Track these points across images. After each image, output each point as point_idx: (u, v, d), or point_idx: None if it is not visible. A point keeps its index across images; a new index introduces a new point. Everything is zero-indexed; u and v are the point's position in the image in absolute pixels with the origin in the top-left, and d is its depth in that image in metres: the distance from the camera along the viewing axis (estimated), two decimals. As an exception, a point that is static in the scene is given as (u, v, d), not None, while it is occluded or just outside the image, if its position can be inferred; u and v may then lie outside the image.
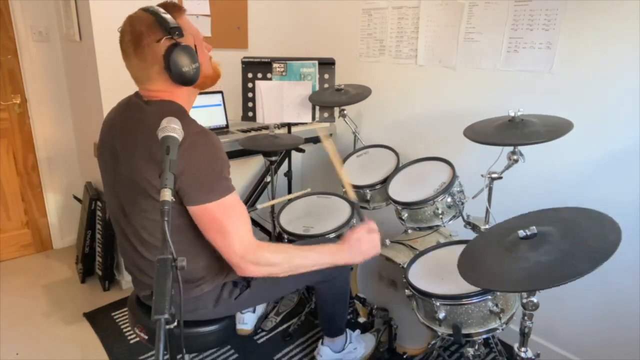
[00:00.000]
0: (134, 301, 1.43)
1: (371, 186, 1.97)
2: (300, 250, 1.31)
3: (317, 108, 2.30)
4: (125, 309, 2.20)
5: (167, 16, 1.15)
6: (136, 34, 1.14)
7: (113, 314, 2.26)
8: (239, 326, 2.02)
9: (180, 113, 1.20)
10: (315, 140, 2.70)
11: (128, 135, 1.20)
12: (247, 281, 1.40)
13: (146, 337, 1.37)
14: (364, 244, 1.39)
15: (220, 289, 1.35)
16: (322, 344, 1.81)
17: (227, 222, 1.16)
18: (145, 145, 1.14)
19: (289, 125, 2.47)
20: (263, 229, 2.73)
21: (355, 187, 2.00)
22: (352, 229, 1.43)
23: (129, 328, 2.14)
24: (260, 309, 2.14)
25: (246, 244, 1.19)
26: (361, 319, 2.07)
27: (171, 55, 1.13)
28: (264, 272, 1.24)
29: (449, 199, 1.69)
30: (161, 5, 1.19)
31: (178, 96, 1.24)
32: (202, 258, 1.29)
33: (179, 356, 0.98)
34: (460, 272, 1.14)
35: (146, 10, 1.16)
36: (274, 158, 2.24)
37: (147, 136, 1.14)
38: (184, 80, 1.17)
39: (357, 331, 1.94)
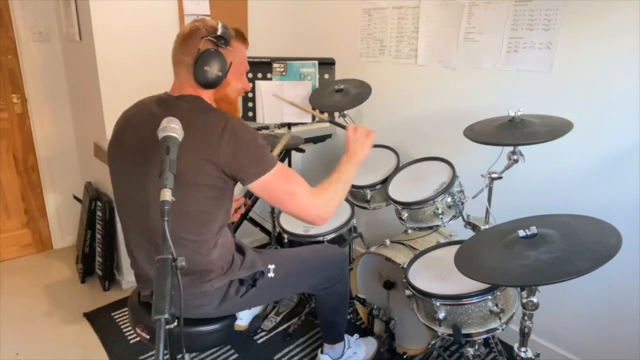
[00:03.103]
0: (135, 301, 1.43)
1: (371, 186, 1.97)
2: (335, 182, 1.41)
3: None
4: (126, 308, 2.20)
5: (226, 31, 1.27)
6: (194, 27, 1.27)
7: (113, 314, 2.26)
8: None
9: (209, 106, 1.29)
10: (316, 140, 2.70)
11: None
12: (254, 280, 1.40)
13: (148, 336, 1.37)
14: (360, 145, 1.53)
15: (228, 286, 1.35)
16: (321, 352, 1.81)
17: (291, 184, 1.28)
18: (189, 139, 1.16)
19: (289, 126, 2.47)
20: (263, 229, 2.73)
21: (355, 187, 2.00)
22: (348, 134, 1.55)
23: (129, 328, 2.14)
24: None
25: (315, 195, 1.31)
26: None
27: (203, 53, 1.23)
28: (332, 209, 1.35)
29: (449, 199, 1.69)
30: (232, 27, 1.33)
31: (202, 95, 1.31)
32: (219, 251, 1.31)
33: (179, 356, 0.98)
34: (457, 266, 1.14)
35: (216, 21, 1.31)
36: (274, 158, 2.24)
37: (189, 129, 1.17)
38: (202, 80, 1.24)
39: (356, 335, 1.94)
